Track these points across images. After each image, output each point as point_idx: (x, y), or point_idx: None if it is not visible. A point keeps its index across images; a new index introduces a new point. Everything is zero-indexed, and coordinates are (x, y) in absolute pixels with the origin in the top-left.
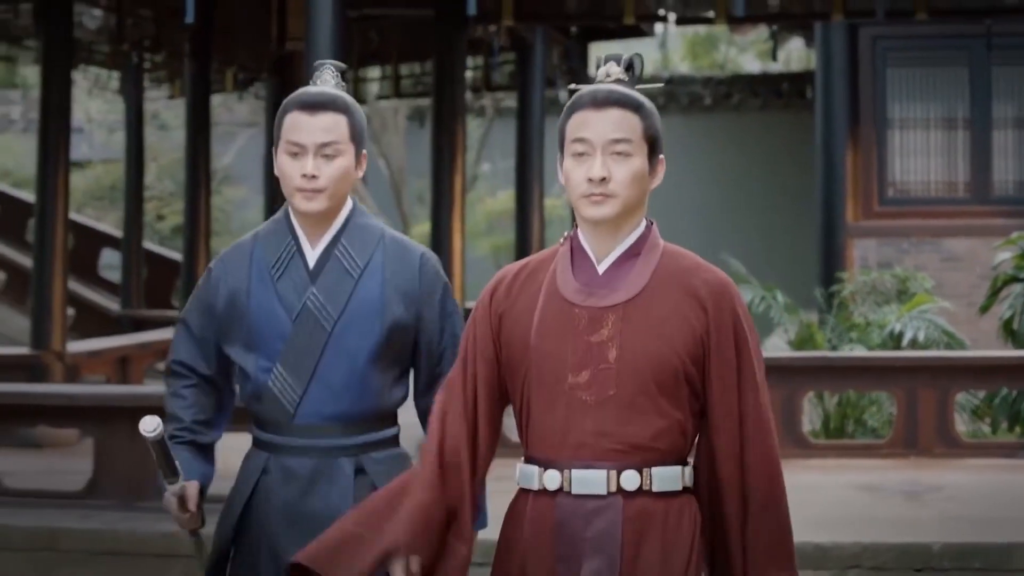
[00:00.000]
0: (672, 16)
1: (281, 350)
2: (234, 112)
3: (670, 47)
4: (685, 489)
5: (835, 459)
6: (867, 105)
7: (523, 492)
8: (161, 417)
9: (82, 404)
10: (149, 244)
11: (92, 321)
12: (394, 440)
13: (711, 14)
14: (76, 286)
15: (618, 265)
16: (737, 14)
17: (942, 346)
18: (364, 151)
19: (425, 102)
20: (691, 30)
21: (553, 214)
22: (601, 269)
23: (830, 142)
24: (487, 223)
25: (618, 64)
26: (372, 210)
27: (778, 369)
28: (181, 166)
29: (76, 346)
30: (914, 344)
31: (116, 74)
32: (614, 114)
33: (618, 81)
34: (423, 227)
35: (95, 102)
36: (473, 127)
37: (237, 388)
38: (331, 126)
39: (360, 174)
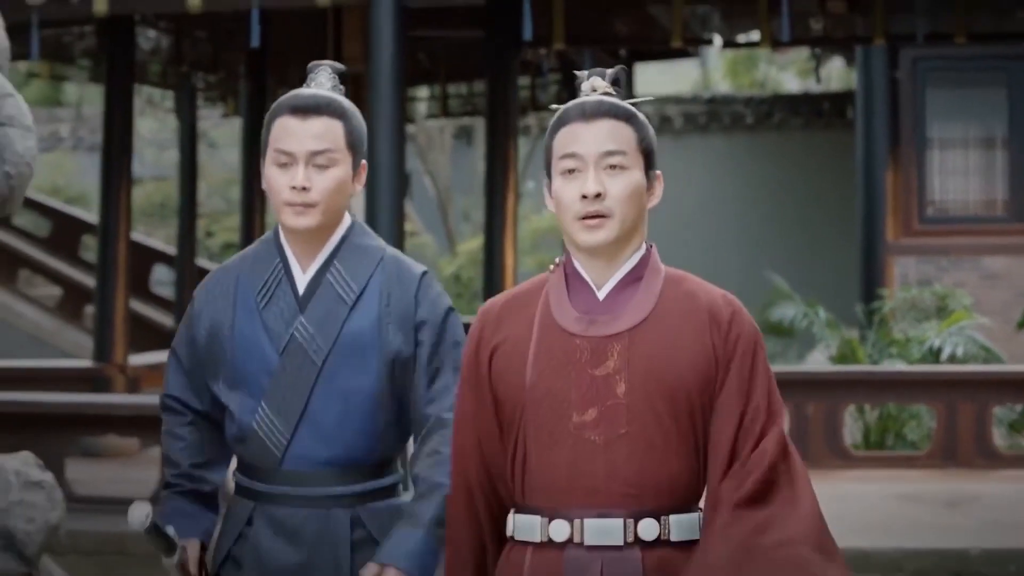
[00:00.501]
0: (718, 40)
1: (267, 387)
2: None
3: (711, 66)
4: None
5: (876, 470)
6: (907, 125)
7: (518, 545)
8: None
9: (147, 415)
10: (201, 260)
11: (146, 336)
12: (394, 489)
13: (756, 37)
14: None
15: (619, 290)
16: (783, 39)
17: (980, 361)
18: (364, 161)
19: (470, 120)
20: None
21: None
22: (601, 295)
23: (871, 161)
24: (532, 240)
25: (603, 79)
26: (416, 227)
27: (820, 383)
28: (230, 184)
29: (137, 359)
30: (953, 359)
31: (170, 93)
32: (605, 125)
33: (605, 94)
34: (468, 244)
35: (145, 121)
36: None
37: (225, 430)
38: (324, 132)
39: (359, 187)
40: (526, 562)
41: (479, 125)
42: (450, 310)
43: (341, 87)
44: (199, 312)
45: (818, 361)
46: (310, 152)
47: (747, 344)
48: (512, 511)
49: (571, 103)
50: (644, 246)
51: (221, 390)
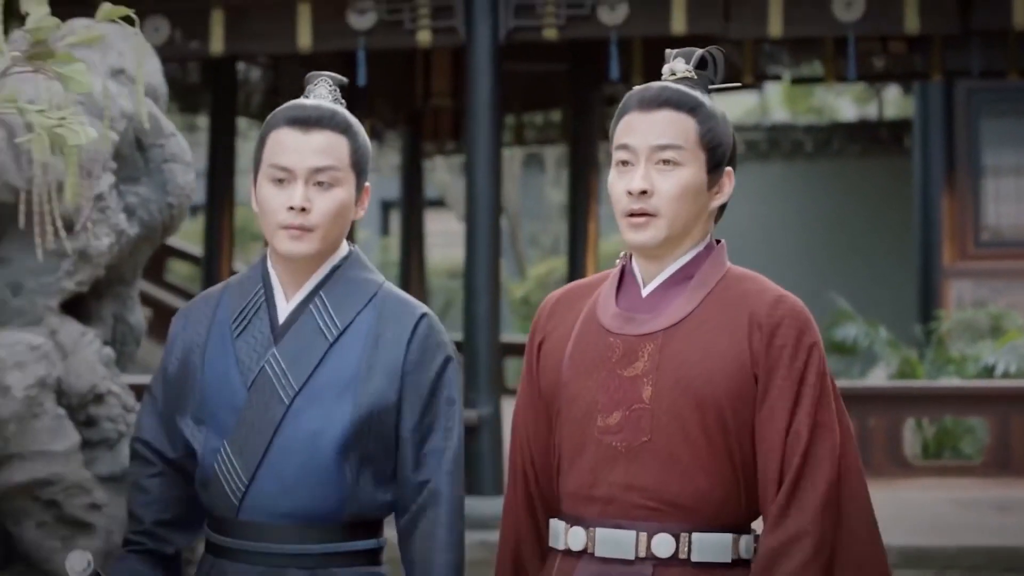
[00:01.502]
0: (786, 76)
1: (231, 425)
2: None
3: (768, 93)
4: (739, 562)
5: (934, 479)
6: (962, 153)
7: (552, 551)
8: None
9: None
10: None
11: None
12: (370, 556)
13: (819, 70)
14: None
15: (665, 289)
16: (849, 77)
17: None
18: (367, 184)
19: (538, 148)
20: None
21: None
22: (646, 292)
23: (928, 188)
24: (602, 264)
25: (687, 61)
26: None
27: (882, 398)
28: None
29: None
30: (1006, 375)
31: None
32: (663, 116)
33: (684, 79)
34: (537, 268)
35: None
36: None
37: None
38: (327, 147)
39: (361, 213)
40: (554, 569)
41: (548, 153)
42: (448, 361)
43: (341, 102)
44: (173, 339)
45: (879, 378)
46: (311, 169)
47: (793, 353)
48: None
49: (635, 89)
50: (704, 243)
51: (188, 427)
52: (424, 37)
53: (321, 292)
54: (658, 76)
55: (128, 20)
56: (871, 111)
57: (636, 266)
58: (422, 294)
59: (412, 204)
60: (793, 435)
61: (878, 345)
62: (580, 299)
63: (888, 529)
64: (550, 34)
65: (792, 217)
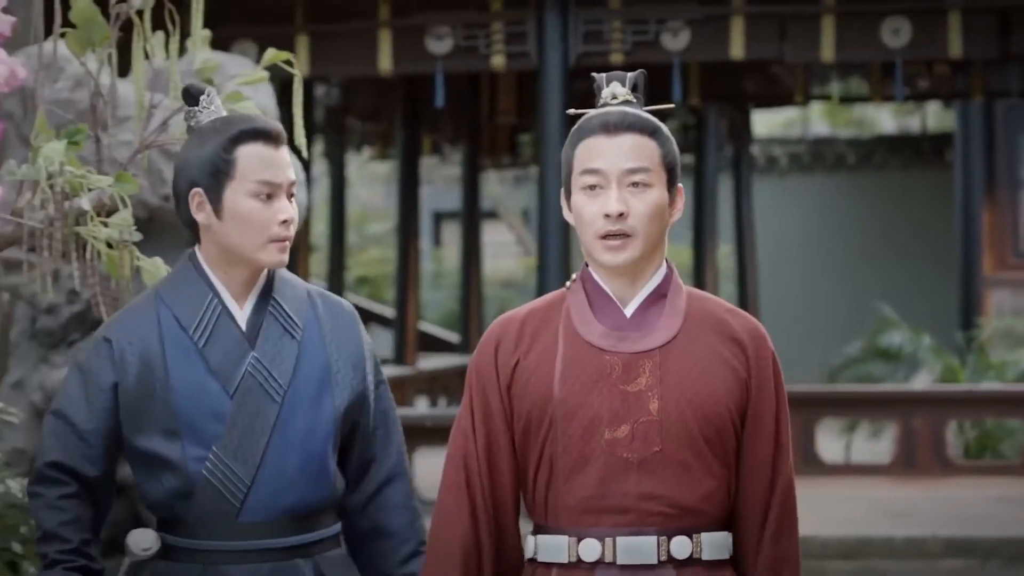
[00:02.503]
0: (835, 95)
1: (219, 432)
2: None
3: (810, 105)
4: (731, 558)
5: (975, 477)
6: (1002, 168)
7: (542, 566)
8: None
9: None
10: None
11: None
12: (339, 538)
13: (867, 92)
14: None
15: (646, 307)
16: (896, 98)
17: None
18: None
19: None
20: None
21: (723, 264)
22: (629, 312)
23: (968, 201)
24: None
25: (623, 84)
26: (534, 254)
27: (926, 401)
28: (362, 220)
29: None
30: None
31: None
32: (628, 140)
33: (626, 103)
34: None
35: None
36: None
37: (143, 489)
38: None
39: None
40: None
41: None
42: (372, 345)
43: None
44: (120, 356)
45: (923, 383)
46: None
47: (773, 366)
48: (532, 532)
49: (592, 113)
50: (666, 263)
51: (155, 442)
52: (498, 62)
53: (273, 295)
54: (717, 97)
55: (288, 63)
56: (911, 124)
57: (607, 286)
58: (480, 303)
59: (470, 216)
60: (779, 448)
61: (921, 351)
62: (545, 322)
63: (934, 522)
64: (617, 59)
65: (836, 228)
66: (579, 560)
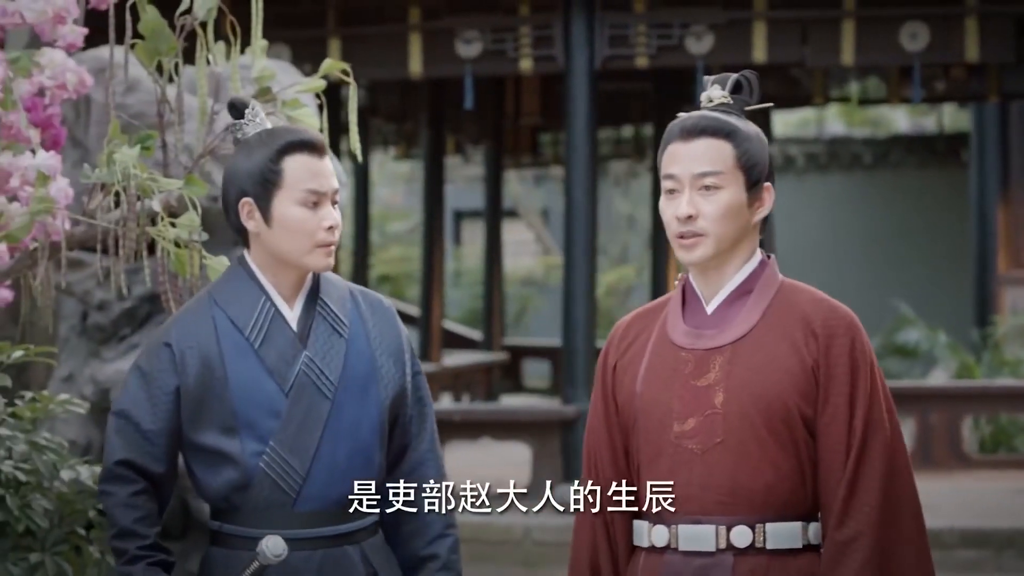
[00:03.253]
0: (854, 96)
1: (275, 428)
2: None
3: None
4: (808, 547)
5: (991, 471)
6: (1017, 167)
7: (637, 550)
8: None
9: None
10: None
11: None
12: (378, 525)
13: (884, 94)
14: None
15: (728, 304)
16: (914, 100)
17: None
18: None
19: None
20: None
21: None
22: (710, 309)
23: (984, 201)
24: (682, 269)
25: (723, 88)
26: (558, 260)
27: (942, 397)
28: (383, 219)
29: None
30: None
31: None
32: (702, 145)
33: (721, 106)
34: (606, 276)
35: None
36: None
37: (201, 481)
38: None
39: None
40: (639, 566)
41: (614, 166)
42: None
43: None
44: (182, 357)
45: (939, 379)
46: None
47: (850, 354)
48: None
49: (676, 119)
50: (757, 259)
51: (213, 438)
52: (526, 65)
53: (320, 295)
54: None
55: (345, 72)
56: (927, 124)
57: (696, 285)
58: (501, 301)
59: (493, 215)
60: (851, 436)
61: (938, 348)
62: (649, 322)
63: (950, 514)
64: (642, 62)
65: (853, 227)
66: (652, 546)
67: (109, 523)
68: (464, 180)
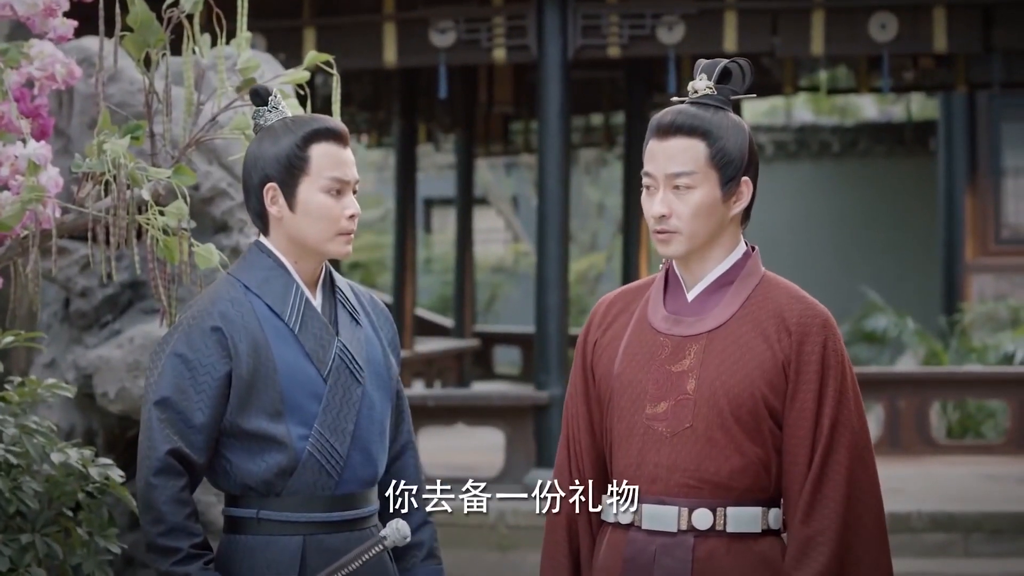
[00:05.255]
0: (823, 86)
1: (317, 412)
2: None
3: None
4: (768, 531)
5: (959, 456)
6: (984, 155)
7: (604, 524)
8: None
9: None
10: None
11: None
12: None
13: (854, 84)
14: None
15: (708, 294)
16: (883, 90)
17: None
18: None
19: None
20: None
21: None
22: (690, 297)
23: (951, 189)
24: (652, 257)
25: (710, 77)
26: (526, 248)
27: (910, 382)
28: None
29: None
30: None
31: None
32: (676, 144)
33: (705, 97)
34: (578, 264)
35: None
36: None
37: (242, 467)
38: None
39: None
40: (605, 540)
41: (583, 154)
42: None
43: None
44: (233, 344)
45: (908, 366)
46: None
47: (821, 353)
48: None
49: (657, 114)
50: (741, 250)
51: (261, 423)
52: (499, 55)
53: (336, 284)
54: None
55: (328, 64)
56: (895, 112)
57: (679, 271)
58: (472, 288)
59: (464, 203)
60: (818, 432)
61: (906, 335)
62: (631, 302)
63: (919, 498)
64: (614, 52)
65: (822, 215)
66: (618, 522)
67: (152, 518)
68: (435, 168)
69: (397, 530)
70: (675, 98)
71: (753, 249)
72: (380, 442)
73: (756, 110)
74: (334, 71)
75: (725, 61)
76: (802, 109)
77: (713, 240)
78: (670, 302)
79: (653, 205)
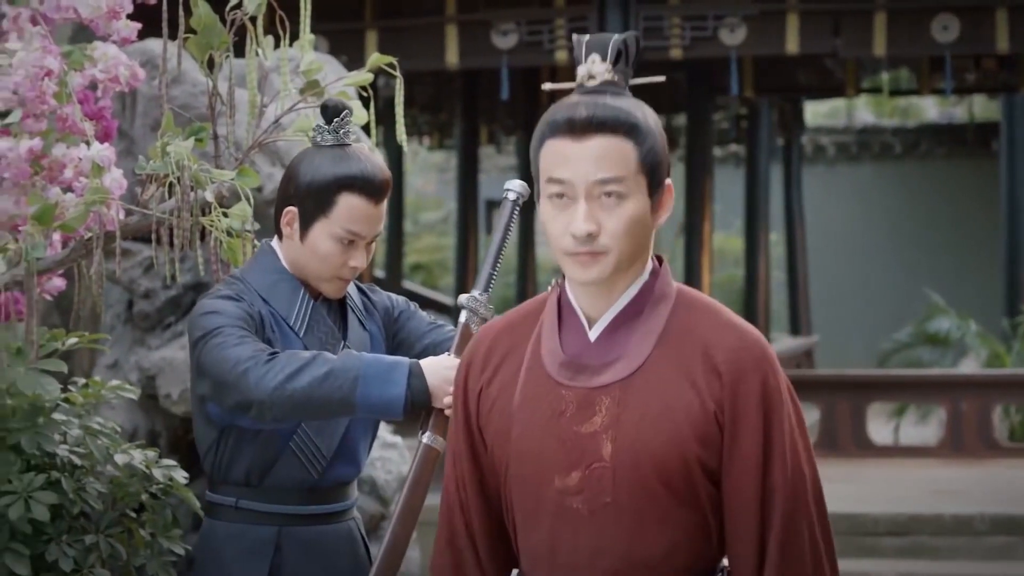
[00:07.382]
0: (885, 87)
1: None
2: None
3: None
4: None
5: (1020, 459)
6: None
7: None
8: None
9: None
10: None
11: None
12: None
13: (915, 85)
14: None
15: (614, 329)
16: (945, 91)
17: None
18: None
19: None
20: None
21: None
22: (593, 335)
23: (1013, 190)
24: (716, 260)
25: (604, 58)
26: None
27: (973, 385)
28: (416, 208)
29: None
30: None
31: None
32: (599, 145)
33: (606, 83)
34: None
35: None
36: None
37: (227, 454)
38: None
39: None
40: None
41: None
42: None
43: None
44: (256, 318)
45: (970, 368)
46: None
47: (761, 397)
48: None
49: (559, 107)
50: (648, 269)
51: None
52: (561, 56)
53: (348, 291)
54: (770, 89)
55: (391, 66)
56: (956, 113)
57: (576, 302)
58: (534, 289)
59: (526, 204)
60: (768, 491)
61: (968, 337)
62: (518, 340)
63: (981, 501)
64: (676, 54)
65: (884, 217)
66: None
67: (317, 376)
68: (497, 170)
69: (522, 186)
70: (562, 85)
71: (661, 263)
72: (367, 442)
73: (817, 111)
74: (397, 73)
75: (614, 36)
76: (864, 111)
77: (634, 262)
78: (568, 343)
79: (576, 222)
